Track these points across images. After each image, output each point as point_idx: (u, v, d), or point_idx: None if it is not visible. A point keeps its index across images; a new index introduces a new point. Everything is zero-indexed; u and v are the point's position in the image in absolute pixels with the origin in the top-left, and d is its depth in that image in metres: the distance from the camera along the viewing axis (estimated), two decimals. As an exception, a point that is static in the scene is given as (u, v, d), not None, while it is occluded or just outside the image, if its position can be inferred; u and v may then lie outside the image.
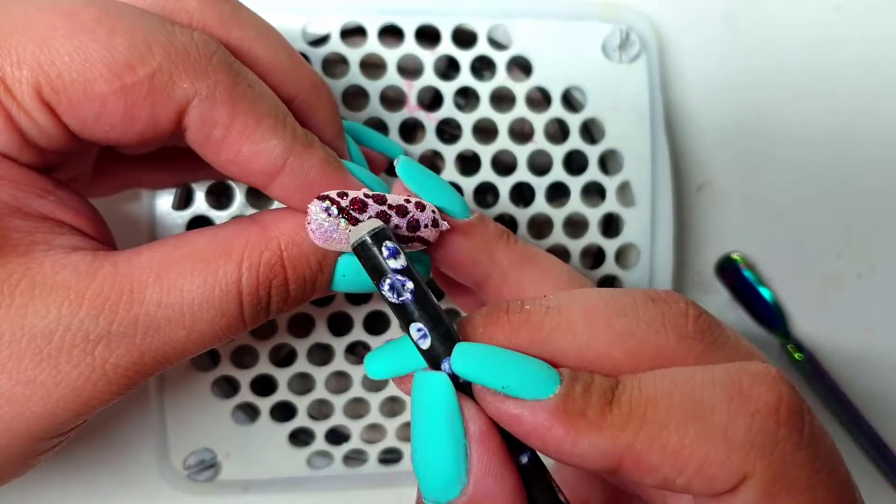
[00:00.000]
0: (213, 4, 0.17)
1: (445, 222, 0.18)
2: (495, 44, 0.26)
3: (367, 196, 0.17)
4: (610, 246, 0.27)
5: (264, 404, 0.26)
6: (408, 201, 0.17)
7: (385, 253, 0.16)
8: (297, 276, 0.17)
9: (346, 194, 0.17)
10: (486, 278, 0.19)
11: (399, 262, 0.16)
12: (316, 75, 0.20)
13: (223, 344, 0.24)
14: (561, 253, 0.27)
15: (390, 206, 0.17)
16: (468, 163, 0.26)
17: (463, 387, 0.15)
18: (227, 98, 0.16)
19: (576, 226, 0.27)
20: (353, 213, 0.17)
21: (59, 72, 0.15)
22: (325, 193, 0.17)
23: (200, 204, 0.25)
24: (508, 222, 0.26)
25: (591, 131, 0.28)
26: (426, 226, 0.18)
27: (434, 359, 0.16)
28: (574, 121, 0.26)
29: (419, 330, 0.16)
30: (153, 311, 0.16)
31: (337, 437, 0.27)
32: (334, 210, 0.17)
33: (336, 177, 0.18)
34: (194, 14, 0.17)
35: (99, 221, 0.18)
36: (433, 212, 0.18)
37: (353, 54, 0.25)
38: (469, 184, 0.26)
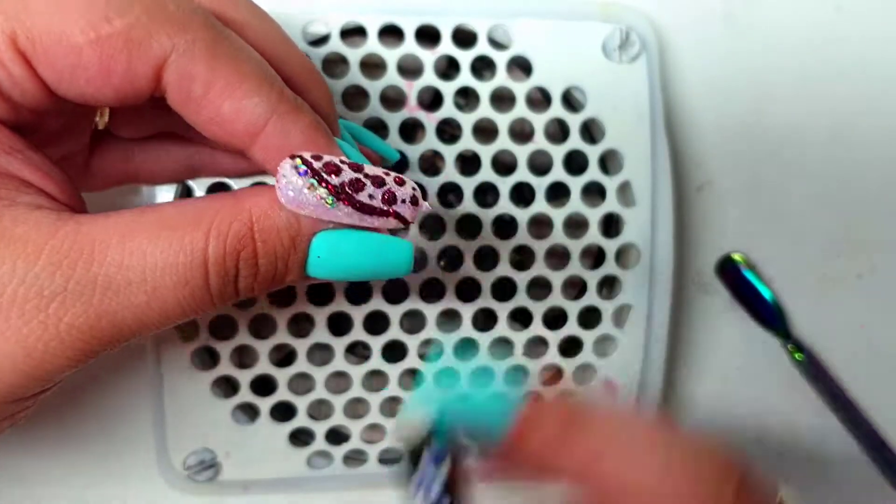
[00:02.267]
0: None
1: (427, 202, 0.17)
2: (495, 44, 0.26)
3: (343, 162, 0.17)
4: (610, 246, 0.27)
5: (264, 404, 0.26)
6: (387, 173, 0.17)
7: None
8: (267, 251, 0.16)
9: (321, 157, 0.16)
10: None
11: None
12: (309, 61, 0.19)
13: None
14: (561, 253, 0.27)
15: (366, 175, 0.17)
16: (468, 163, 0.26)
17: None
18: (207, 53, 0.16)
19: (576, 226, 0.27)
20: (326, 176, 0.16)
21: (35, 21, 0.15)
22: (300, 153, 0.16)
23: (200, 204, 0.25)
24: (509, 222, 0.26)
25: (591, 131, 0.28)
26: (403, 201, 0.17)
27: None
28: (574, 121, 0.26)
29: None
30: (113, 273, 0.15)
31: (337, 437, 0.27)
32: (304, 168, 0.16)
33: (321, 143, 0.17)
34: None
35: (70, 189, 0.17)
36: (413, 188, 0.17)
37: (354, 54, 0.25)
38: (469, 184, 0.26)
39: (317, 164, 0.16)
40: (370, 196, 0.16)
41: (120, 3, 0.15)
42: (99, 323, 0.15)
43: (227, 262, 0.16)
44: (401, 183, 0.17)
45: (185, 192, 0.25)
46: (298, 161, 0.16)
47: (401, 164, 0.26)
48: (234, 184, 0.25)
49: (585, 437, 0.18)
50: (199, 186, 0.25)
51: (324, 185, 0.16)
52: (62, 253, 0.15)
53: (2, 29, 0.15)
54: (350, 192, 0.16)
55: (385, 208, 0.17)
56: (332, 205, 0.16)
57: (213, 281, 0.16)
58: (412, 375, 0.28)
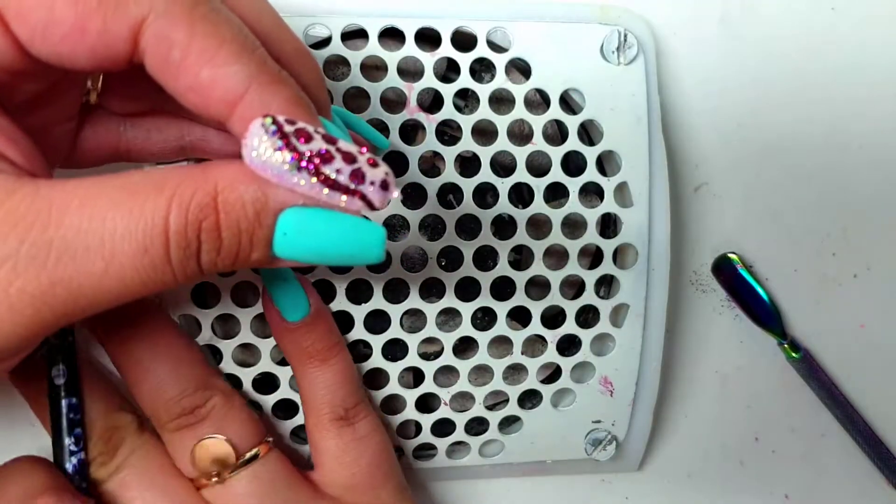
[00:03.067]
0: None
1: (397, 190, 0.17)
2: (494, 46, 0.26)
3: (317, 132, 0.16)
4: (608, 246, 0.27)
5: (266, 402, 0.26)
6: (361, 153, 0.16)
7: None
8: (230, 223, 0.16)
9: (295, 123, 0.16)
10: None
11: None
12: (301, 43, 0.19)
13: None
14: (559, 253, 0.27)
15: (338, 150, 0.16)
16: (468, 163, 0.27)
17: None
18: (186, 16, 0.15)
19: (574, 226, 0.27)
20: (294, 141, 0.15)
21: None
22: (273, 114, 0.16)
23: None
24: (508, 222, 0.27)
25: (588, 133, 0.28)
26: (372, 183, 0.16)
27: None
28: (572, 122, 0.27)
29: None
30: (70, 237, 0.15)
31: (338, 434, 0.28)
32: (273, 128, 0.15)
33: (303, 118, 0.16)
34: None
35: (37, 159, 0.17)
36: (385, 173, 0.16)
37: (355, 56, 0.25)
38: (469, 184, 0.26)
39: (288, 128, 0.15)
40: (337, 170, 0.16)
41: None
42: (52, 289, 0.15)
43: (188, 232, 0.15)
44: (374, 165, 0.16)
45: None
46: (269, 120, 0.15)
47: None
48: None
49: None
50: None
51: (290, 149, 0.15)
52: (17, 215, 0.14)
53: None
54: (317, 162, 0.15)
55: (351, 186, 0.16)
56: (293, 171, 0.15)
57: (173, 252, 0.15)
58: (412, 373, 0.28)
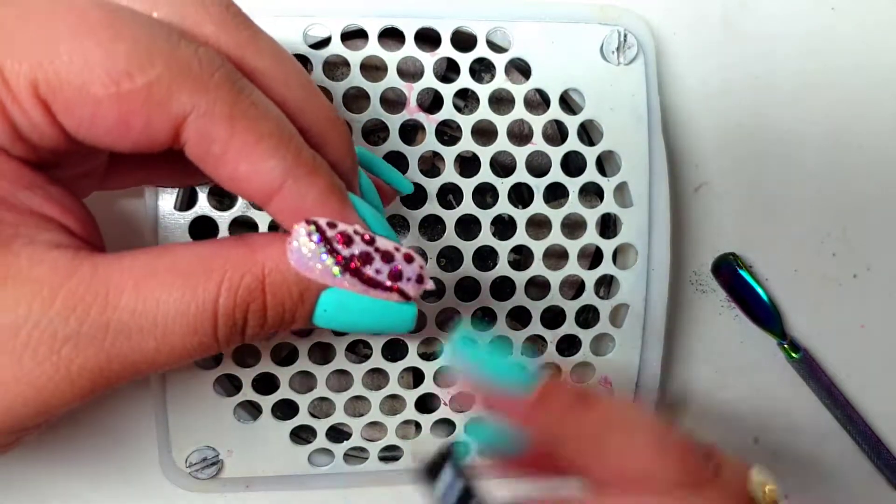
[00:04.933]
0: (230, 29, 0.17)
1: (431, 281, 0.18)
2: (494, 46, 0.26)
3: (356, 233, 0.17)
4: (607, 246, 0.27)
5: (266, 402, 0.26)
6: (397, 249, 0.17)
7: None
8: (275, 304, 0.17)
9: (336, 225, 0.17)
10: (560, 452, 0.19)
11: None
12: (332, 110, 0.19)
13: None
14: (559, 253, 0.27)
15: (377, 250, 0.17)
16: (468, 164, 0.27)
17: None
18: (227, 115, 0.16)
19: (574, 226, 0.27)
20: (336, 246, 0.17)
21: (58, 70, 0.15)
22: (315, 219, 0.17)
23: (203, 204, 0.25)
24: (507, 223, 0.27)
25: (588, 133, 0.28)
26: (409, 279, 0.17)
27: None
28: (572, 122, 0.27)
29: None
30: (126, 318, 0.16)
31: (338, 434, 0.28)
32: (316, 236, 0.16)
33: (335, 208, 0.17)
34: (210, 36, 0.17)
35: (89, 222, 0.18)
36: (420, 267, 0.18)
37: (354, 57, 0.25)
38: (468, 184, 0.26)
39: (330, 233, 0.17)
40: (377, 271, 0.17)
41: (142, 59, 0.15)
42: (109, 365, 0.16)
43: (236, 314, 0.16)
44: (409, 259, 0.17)
45: (189, 193, 0.26)
46: (312, 228, 0.16)
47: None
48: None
49: (596, 409, 0.19)
50: (202, 188, 0.25)
51: (333, 254, 0.16)
52: (77, 297, 0.15)
53: (25, 75, 0.15)
54: (358, 264, 0.17)
55: (389, 284, 0.17)
56: (339, 275, 0.17)
57: (220, 330, 0.16)
58: (412, 374, 0.28)
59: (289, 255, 0.17)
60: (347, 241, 0.17)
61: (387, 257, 0.17)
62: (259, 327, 0.17)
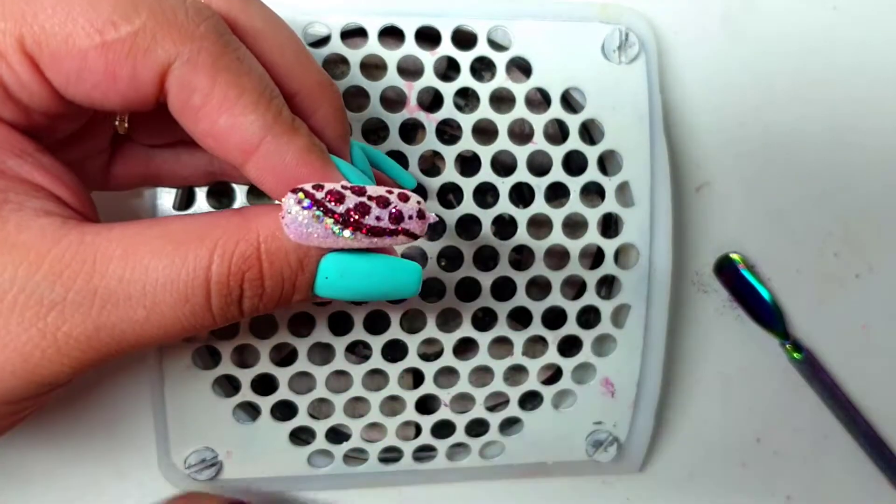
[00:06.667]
0: None
1: (433, 214, 0.17)
2: (495, 45, 0.26)
3: (344, 188, 0.16)
4: (609, 246, 0.27)
5: (265, 403, 0.26)
6: (390, 192, 0.17)
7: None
8: (273, 272, 0.17)
9: (322, 186, 0.16)
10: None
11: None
12: (324, 74, 0.19)
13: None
14: (560, 253, 0.27)
15: (370, 197, 0.16)
16: (468, 163, 0.26)
17: None
18: (210, 65, 0.16)
19: (575, 226, 0.27)
20: (329, 205, 0.16)
21: (42, 24, 0.15)
22: (300, 186, 0.16)
23: (202, 204, 0.25)
24: (508, 222, 0.26)
25: (590, 132, 0.28)
26: (410, 217, 0.17)
27: None
28: (573, 121, 0.27)
29: None
30: (114, 286, 0.15)
31: (337, 435, 0.27)
32: (307, 202, 0.16)
33: (315, 166, 0.17)
34: None
35: (81, 193, 0.17)
36: (418, 202, 0.17)
37: (354, 55, 0.25)
38: (469, 184, 0.26)
39: (319, 195, 0.16)
40: (377, 218, 0.16)
41: (126, 8, 0.15)
42: (97, 334, 0.16)
43: (230, 282, 0.16)
44: (405, 199, 0.17)
45: (187, 193, 0.25)
46: (301, 195, 0.16)
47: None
48: (236, 185, 0.25)
49: None
50: (199, 191, 0.25)
51: (329, 214, 0.16)
52: (64, 263, 0.15)
53: (10, 32, 0.15)
54: (356, 217, 0.16)
55: (394, 227, 0.17)
56: (340, 233, 0.16)
57: (214, 300, 0.16)
58: (412, 375, 0.28)
59: (285, 229, 0.16)
60: (339, 198, 0.16)
61: (382, 202, 0.16)
62: (257, 298, 0.17)
